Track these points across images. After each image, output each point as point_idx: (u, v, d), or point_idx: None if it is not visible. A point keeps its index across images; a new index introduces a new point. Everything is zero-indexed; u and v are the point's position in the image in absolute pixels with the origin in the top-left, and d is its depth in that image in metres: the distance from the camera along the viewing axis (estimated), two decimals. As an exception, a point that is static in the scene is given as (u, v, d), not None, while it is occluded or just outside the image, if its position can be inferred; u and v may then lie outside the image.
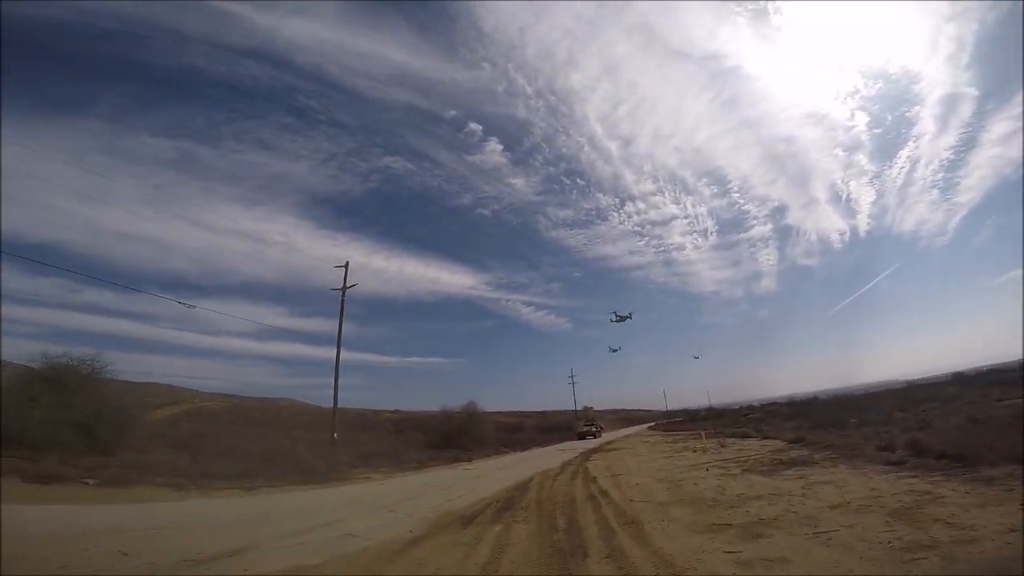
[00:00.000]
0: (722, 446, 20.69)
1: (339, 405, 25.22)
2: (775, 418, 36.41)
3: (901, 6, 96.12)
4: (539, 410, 76.79)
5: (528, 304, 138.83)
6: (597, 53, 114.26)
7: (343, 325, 25.28)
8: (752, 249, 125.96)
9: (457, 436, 32.88)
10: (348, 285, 25.49)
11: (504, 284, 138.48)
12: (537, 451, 33.33)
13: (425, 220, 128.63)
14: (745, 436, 24.83)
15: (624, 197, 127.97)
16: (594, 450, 27.77)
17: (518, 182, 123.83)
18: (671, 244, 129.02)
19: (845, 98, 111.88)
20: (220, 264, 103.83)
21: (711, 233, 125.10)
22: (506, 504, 10.63)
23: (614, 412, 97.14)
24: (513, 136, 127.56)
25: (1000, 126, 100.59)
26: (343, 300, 25.30)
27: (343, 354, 25.15)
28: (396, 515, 9.91)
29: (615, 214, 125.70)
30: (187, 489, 12.31)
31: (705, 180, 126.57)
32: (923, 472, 9.28)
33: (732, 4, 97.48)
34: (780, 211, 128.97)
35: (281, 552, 6.89)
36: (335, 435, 22.76)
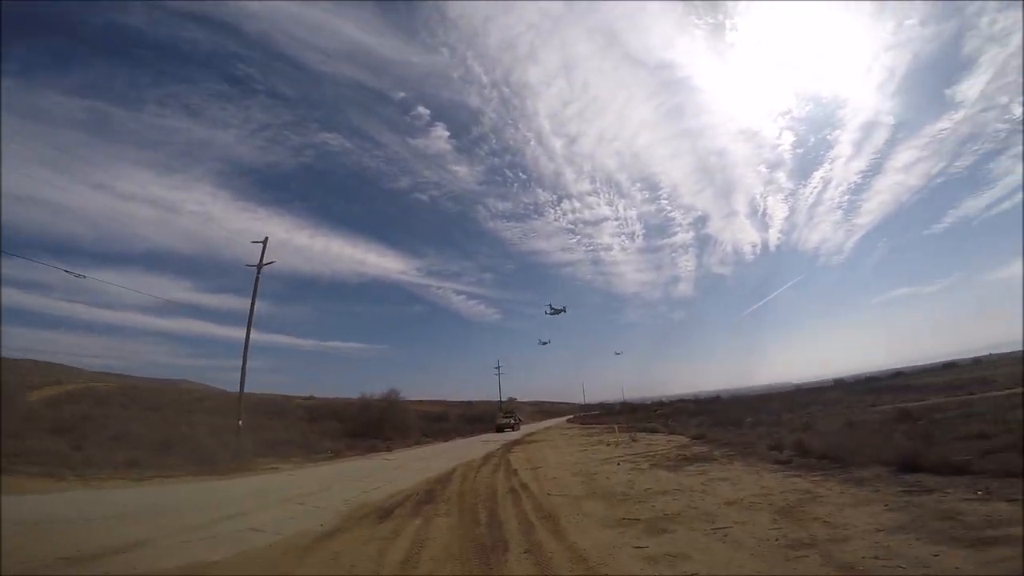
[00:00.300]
0: (633, 440, 21.87)
1: (247, 389, 23.64)
2: (682, 415, 39.15)
3: (849, 30, 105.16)
4: (465, 400, 77.22)
5: (459, 293, 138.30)
6: (558, 49, 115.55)
7: (256, 303, 23.69)
8: (673, 255, 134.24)
9: (377, 425, 32.07)
10: (265, 262, 23.84)
11: (436, 271, 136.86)
12: (461, 441, 33.29)
13: (358, 200, 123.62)
14: (654, 431, 26.40)
15: (562, 194, 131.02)
16: (516, 442, 28.26)
17: (461, 170, 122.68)
18: (600, 244, 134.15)
19: (777, 117, 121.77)
20: (121, 231, 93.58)
21: (638, 236, 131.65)
22: (427, 497, 10.52)
23: (536, 404, 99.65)
24: (461, 124, 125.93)
25: (906, 155, 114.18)
26: (258, 277, 23.64)
27: (255, 335, 23.57)
28: (306, 508, 9.47)
29: (552, 211, 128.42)
30: (68, 479, 10.99)
31: (639, 185, 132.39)
32: (806, 471, 10.23)
33: (693, 16, 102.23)
34: (702, 220, 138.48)
35: (176, 548, 6.34)
36: (240, 421, 21.30)
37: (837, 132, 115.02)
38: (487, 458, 18.92)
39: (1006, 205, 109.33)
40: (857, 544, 5.33)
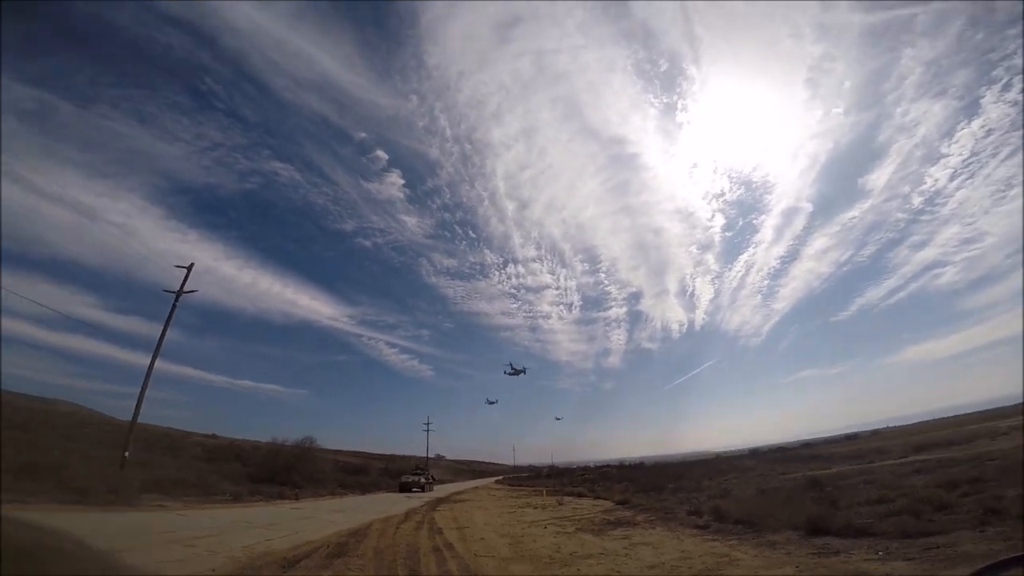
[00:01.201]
0: (560, 504, 21.45)
1: (142, 420, 21.14)
2: (607, 480, 38.99)
3: (783, 116, 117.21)
4: (388, 453, 72.82)
5: (392, 346, 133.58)
6: (522, 114, 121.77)
7: (168, 331, 21.74)
8: (607, 328, 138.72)
9: (286, 472, 29.30)
10: (186, 290, 22.26)
11: (370, 321, 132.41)
12: (381, 496, 31.19)
13: (298, 237, 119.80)
14: (580, 495, 26.10)
15: (508, 258, 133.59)
16: (442, 500, 26.82)
17: (410, 220, 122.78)
18: (540, 312, 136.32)
19: (712, 199, 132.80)
20: (28, 231, 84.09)
21: (575, 307, 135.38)
22: (339, 550, 9.61)
23: (466, 463, 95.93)
24: (418, 173, 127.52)
25: (819, 242, 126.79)
26: (175, 304, 21.93)
27: (159, 363, 21.43)
28: (196, 551, 8.34)
29: (497, 273, 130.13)
30: None
31: (580, 256, 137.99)
32: (723, 536, 10.48)
33: (651, 95, 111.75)
34: (636, 297, 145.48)
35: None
36: (126, 453, 18.82)
37: (763, 217, 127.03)
38: (409, 515, 17.77)
39: (901, 295, 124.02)
40: None
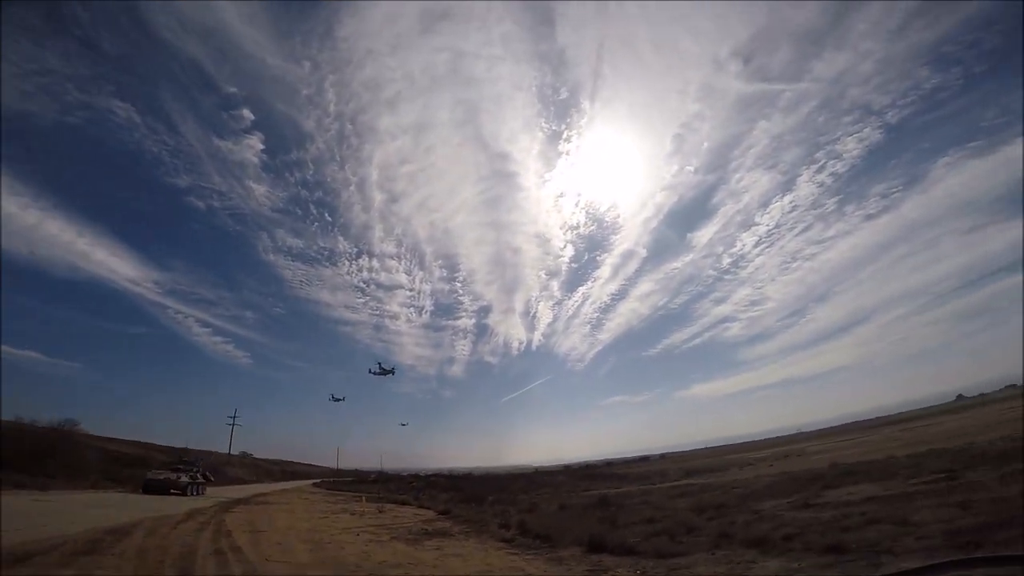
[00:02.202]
0: (380, 511, 20.92)
1: None
2: (435, 488, 39.19)
3: (646, 164, 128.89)
4: (181, 446, 62.68)
5: (205, 325, 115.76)
6: (421, 108, 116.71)
7: None
8: (454, 337, 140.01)
9: (36, 459, 23.68)
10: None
11: (182, 292, 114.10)
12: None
13: (113, 184, 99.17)
14: (404, 503, 25.70)
15: (364, 250, 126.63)
16: (241, 501, 24.02)
17: (259, 189, 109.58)
18: (388, 311, 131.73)
19: (568, 230, 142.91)
20: None
21: (426, 312, 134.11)
22: (89, 547, 8.14)
23: (280, 463, 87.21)
24: (284, 142, 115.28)
25: (645, 286, 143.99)
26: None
27: None
28: None
29: (347, 263, 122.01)
30: None
31: (441, 262, 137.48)
32: (524, 550, 11.07)
33: (543, 119, 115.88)
34: (486, 310, 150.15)
35: None
36: None
37: (605, 255, 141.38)
38: (193, 514, 15.65)
39: (698, 340, 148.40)
40: None
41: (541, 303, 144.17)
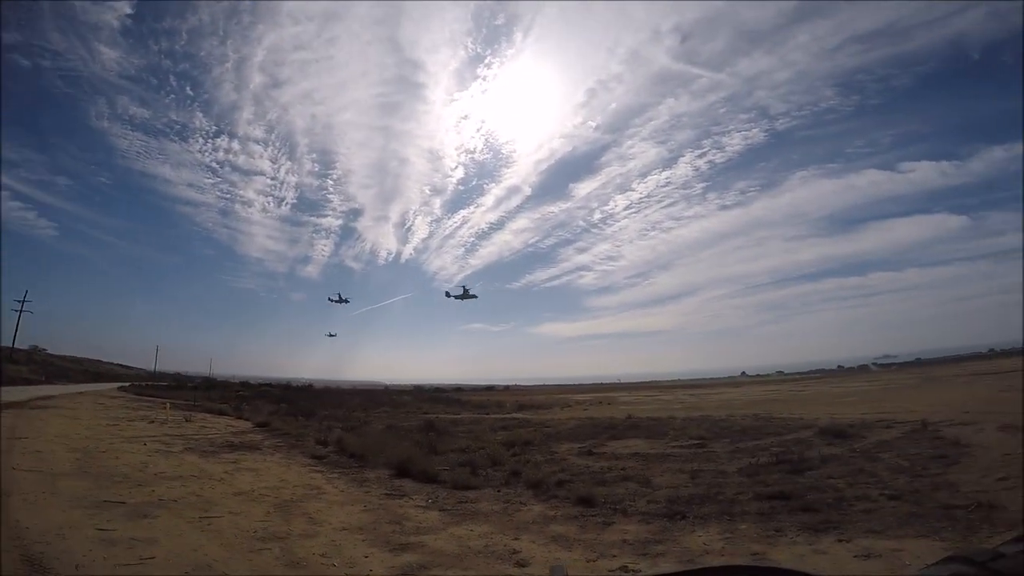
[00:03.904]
0: (187, 421, 19.46)
1: None
2: (264, 399, 37.51)
3: (555, 109, 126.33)
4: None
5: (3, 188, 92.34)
6: None
7: None
8: (315, 235, 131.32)
9: None
10: None
11: None
12: None
13: None
14: (221, 413, 24.28)
15: (224, 130, 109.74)
16: (14, 404, 20.30)
17: (110, 54, 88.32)
18: (241, 196, 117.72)
19: (463, 153, 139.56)
20: None
21: (287, 204, 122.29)
22: None
23: (82, 361, 75.19)
24: (159, 8, 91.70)
25: (522, 222, 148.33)
26: None
27: None
28: None
29: (201, 141, 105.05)
30: None
31: (315, 156, 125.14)
32: (332, 468, 11.13)
33: (470, 39, 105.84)
34: (356, 213, 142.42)
35: None
36: None
37: (492, 185, 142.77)
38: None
39: (556, 283, 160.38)
40: (318, 541, 6.09)
41: (419, 218, 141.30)
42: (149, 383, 60.64)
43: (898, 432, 12.26)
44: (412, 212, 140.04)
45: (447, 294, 67.48)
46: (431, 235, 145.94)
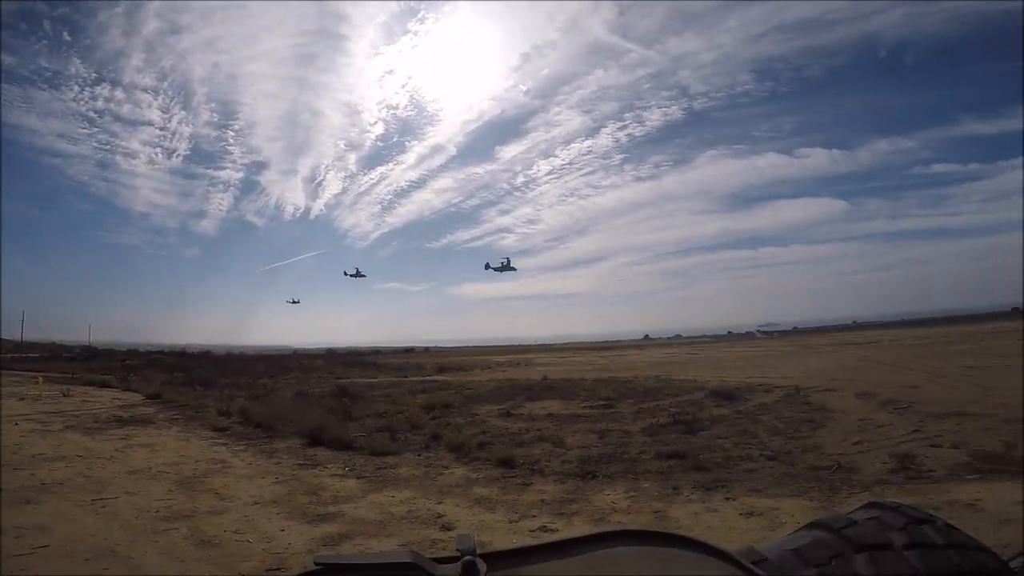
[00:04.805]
0: (64, 396, 17.27)
1: None
2: (154, 368, 33.95)
3: (488, 69, 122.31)
4: None
5: None
6: None
7: None
8: (211, 188, 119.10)
9: None
10: None
11: None
12: None
13: None
14: (105, 386, 21.79)
15: (108, 78, 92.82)
16: None
17: None
18: (123, 147, 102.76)
19: (384, 108, 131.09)
20: None
21: (178, 155, 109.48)
22: None
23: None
24: None
25: (445, 182, 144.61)
26: None
27: None
28: None
29: (78, 88, 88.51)
30: None
31: (214, 105, 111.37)
32: (237, 440, 10.50)
33: None
34: (260, 166, 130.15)
35: None
36: None
37: (415, 143, 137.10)
38: None
39: (477, 243, 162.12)
40: (229, 517, 5.85)
41: (332, 172, 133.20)
42: (15, 355, 51.48)
43: (776, 396, 13.67)
44: (324, 167, 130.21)
45: (487, 266, 65.76)
46: (344, 191, 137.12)
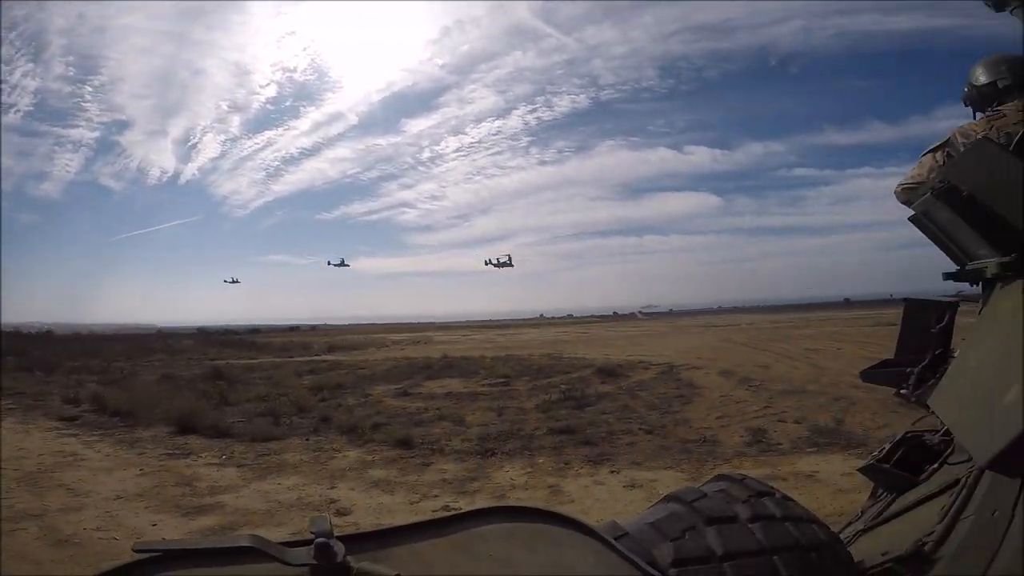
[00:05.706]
0: None
1: None
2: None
3: (399, 39, 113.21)
4: None
5: None
6: None
7: None
8: (56, 147, 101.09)
9: None
10: None
11: None
12: None
13: None
14: None
15: None
16: None
17: None
18: None
19: (279, 71, 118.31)
20: None
21: (18, 111, 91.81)
22: None
23: None
24: None
25: (341, 151, 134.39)
26: None
27: None
28: None
29: None
30: None
31: (72, 59, 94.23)
32: (90, 430, 9.43)
33: None
34: (121, 126, 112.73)
35: None
36: None
37: (311, 109, 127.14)
38: None
39: (375, 217, 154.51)
40: (89, 514, 5.30)
41: (209, 135, 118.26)
42: None
43: (653, 373, 14.91)
44: (201, 128, 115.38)
45: (487, 262, 61.59)
46: (223, 155, 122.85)
